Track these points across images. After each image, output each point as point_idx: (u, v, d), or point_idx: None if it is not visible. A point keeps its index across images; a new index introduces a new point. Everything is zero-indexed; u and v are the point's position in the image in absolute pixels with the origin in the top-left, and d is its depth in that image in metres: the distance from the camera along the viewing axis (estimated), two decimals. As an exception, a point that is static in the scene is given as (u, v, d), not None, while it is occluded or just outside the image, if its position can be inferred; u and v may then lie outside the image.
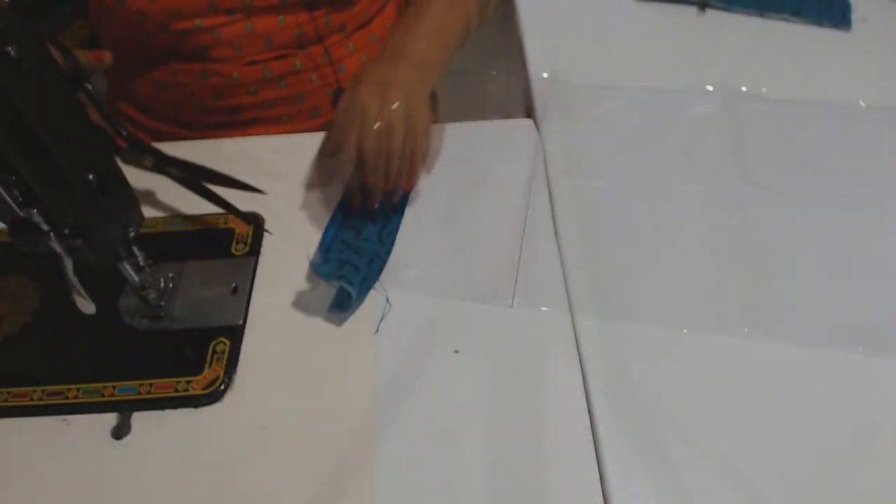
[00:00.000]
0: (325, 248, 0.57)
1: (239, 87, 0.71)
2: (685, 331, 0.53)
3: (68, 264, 0.45)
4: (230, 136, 0.71)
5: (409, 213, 0.61)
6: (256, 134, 0.75)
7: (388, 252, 0.58)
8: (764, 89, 0.72)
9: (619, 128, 0.69)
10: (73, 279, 0.45)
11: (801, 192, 0.62)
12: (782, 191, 0.62)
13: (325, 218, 0.61)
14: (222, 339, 0.52)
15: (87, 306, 0.47)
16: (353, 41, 0.75)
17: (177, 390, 0.49)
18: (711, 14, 0.81)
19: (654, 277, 0.56)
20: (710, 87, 0.71)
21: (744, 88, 0.71)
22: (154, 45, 0.68)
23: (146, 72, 0.71)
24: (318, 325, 0.54)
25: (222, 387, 0.50)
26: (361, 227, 0.59)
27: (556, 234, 0.59)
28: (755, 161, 0.64)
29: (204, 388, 0.49)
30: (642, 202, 0.61)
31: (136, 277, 0.51)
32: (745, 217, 0.60)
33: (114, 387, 0.50)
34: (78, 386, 0.50)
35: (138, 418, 0.49)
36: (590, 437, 0.47)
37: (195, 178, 0.59)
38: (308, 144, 0.68)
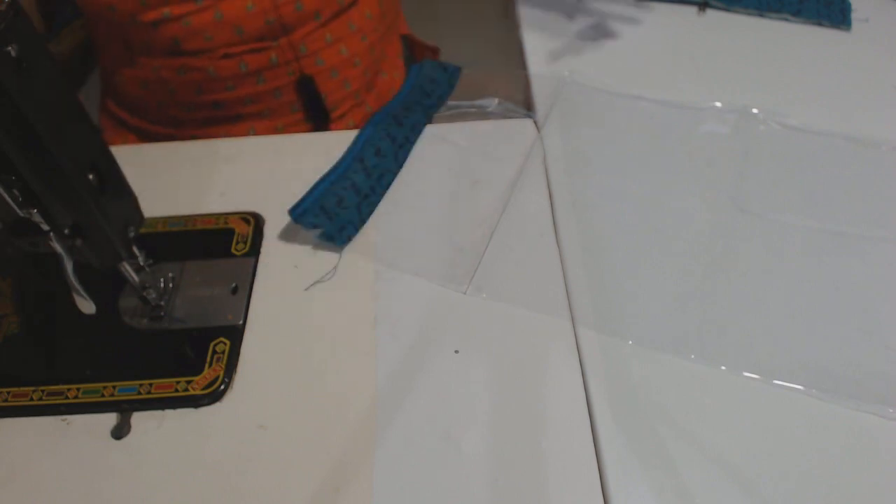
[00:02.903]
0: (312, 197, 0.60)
1: (217, 82, 0.71)
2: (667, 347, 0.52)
3: (68, 264, 0.45)
4: (216, 133, 0.71)
5: (409, 213, 0.61)
6: (242, 129, 0.75)
7: (379, 197, 0.62)
8: (763, 92, 0.72)
9: (620, 131, 0.69)
10: (73, 279, 0.45)
11: (794, 224, 0.60)
12: (774, 219, 0.60)
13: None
14: (222, 339, 0.52)
15: (87, 306, 0.47)
16: (329, 31, 0.74)
17: (177, 390, 0.49)
18: (711, 14, 0.81)
19: (639, 286, 0.56)
20: (718, 104, 0.70)
21: (755, 111, 0.69)
22: (133, 41, 0.69)
23: (131, 70, 0.72)
24: (318, 325, 0.54)
25: (222, 387, 0.50)
26: (357, 179, 0.62)
27: (556, 234, 0.59)
28: (755, 185, 0.63)
29: (204, 388, 0.50)
30: (636, 209, 0.61)
31: (136, 277, 0.51)
32: (731, 240, 0.58)
33: (114, 387, 0.50)
34: (78, 386, 0.50)
35: (138, 418, 0.49)
36: (590, 437, 0.47)
37: None
38: (309, 144, 0.68)
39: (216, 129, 0.74)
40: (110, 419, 0.49)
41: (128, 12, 0.64)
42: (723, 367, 0.50)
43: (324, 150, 0.65)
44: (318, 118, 0.78)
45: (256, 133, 0.76)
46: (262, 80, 0.72)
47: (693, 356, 0.51)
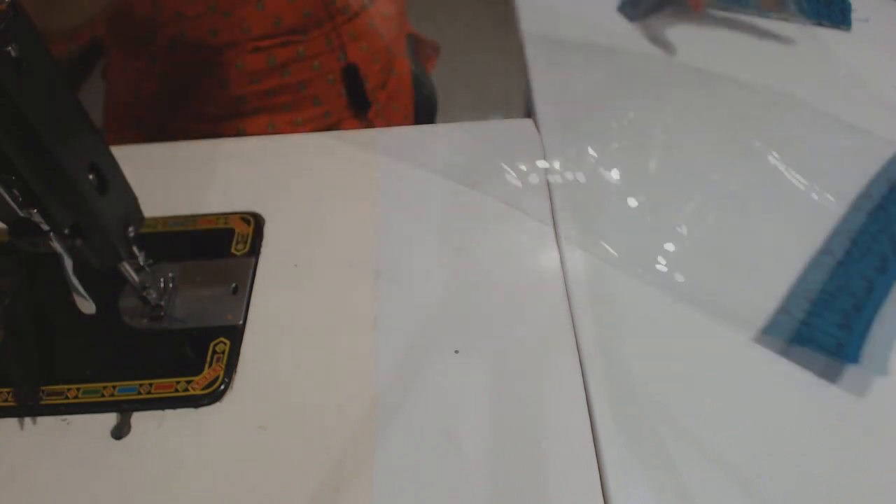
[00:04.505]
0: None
1: (244, 76, 0.71)
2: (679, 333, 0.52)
3: (68, 264, 0.45)
4: (235, 126, 0.71)
5: (409, 214, 0.61)
6: (261, 122, 0.75)
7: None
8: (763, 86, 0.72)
9: (619, 129, 0.69)
10: (73, 279, 0.45)
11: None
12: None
13: (324, 217, 0.61)
14: (222, 339, 0.52)
15: (87, 306, 0.47)
16: (354, 27, 0.75)
17: (177, 390, 0.49)
18: (711, 14, 0.81)
19: (649, 283, 0.56)
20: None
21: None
22: (162, 36, 0.68)
23: (151, 66, 0.71)
24: (318, 326, 0.54)
25: (222, 387, 0.50)
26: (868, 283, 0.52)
27: (555, 233, 0.59)
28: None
29: (204, 388, 0.50)
30: (637, 209, 0.61)
31: (136, 277, 0.51)
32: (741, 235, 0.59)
33: (114, 387, 0.50)
34: (78, 386, 0.50)
35: (138, 418, 0.49)
36: (590, 437, 0.47)
37: None
38: (309, 144, 0.68)
39: (236, 122, 0.74)
40: (110, 419, 0.49)
41: (173, 8, 0.64)
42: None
43: (325, 151, 0.66)
44: (357, 108, 0.78)
45: (275, 128, 0.76)
46: (286, 73, 0.72)
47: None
